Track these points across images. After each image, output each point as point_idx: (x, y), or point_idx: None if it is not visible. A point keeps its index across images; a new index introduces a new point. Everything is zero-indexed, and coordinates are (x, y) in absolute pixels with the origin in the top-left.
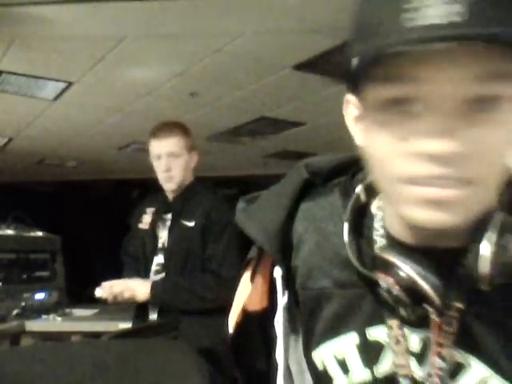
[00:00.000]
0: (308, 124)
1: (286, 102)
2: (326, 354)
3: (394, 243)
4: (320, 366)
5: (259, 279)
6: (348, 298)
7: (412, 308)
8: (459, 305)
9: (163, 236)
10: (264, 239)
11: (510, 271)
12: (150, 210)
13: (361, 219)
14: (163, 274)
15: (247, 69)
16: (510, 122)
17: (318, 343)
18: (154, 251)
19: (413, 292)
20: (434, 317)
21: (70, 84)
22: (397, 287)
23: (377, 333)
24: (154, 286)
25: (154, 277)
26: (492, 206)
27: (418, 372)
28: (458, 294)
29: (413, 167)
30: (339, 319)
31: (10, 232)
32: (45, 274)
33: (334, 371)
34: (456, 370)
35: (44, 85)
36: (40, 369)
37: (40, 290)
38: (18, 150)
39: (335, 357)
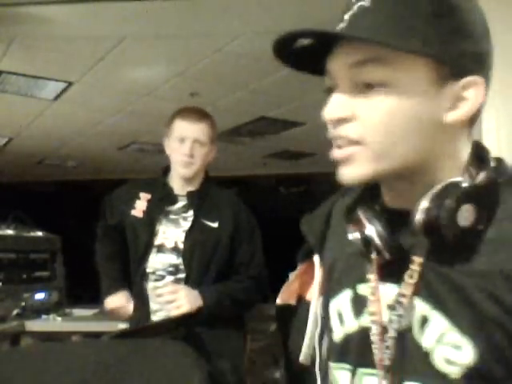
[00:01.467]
0: (308, 124)
1: (286, 102)
2: (332, 309)
3: (381, 207)
4: (330, 318)
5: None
6: (349, 259)
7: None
8: (419, 259)
9: (171, 233)
10: (310, 236)
11: (447, 225)
12: (144, 196)
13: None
14: (180, 275)
15: (247, 69)
16: (386, 100)
17: (329, 300)
18: (149, 246)
19: (369, 244)
20: (374, 266)
21: (70, 84)
22: (358, 239)
23: (364, 288)
24: (206, 296)
25: (168, 277)
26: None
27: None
28: (419, 249)
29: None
30: (341, 278)
31: (10, 232)
32: (45, 274)
33: (334, 323)
34: (422, 322)
35: (44, 85)
36: (40, 369)
37: (40, 290)
38: (18, 150)
39: (336, 310)
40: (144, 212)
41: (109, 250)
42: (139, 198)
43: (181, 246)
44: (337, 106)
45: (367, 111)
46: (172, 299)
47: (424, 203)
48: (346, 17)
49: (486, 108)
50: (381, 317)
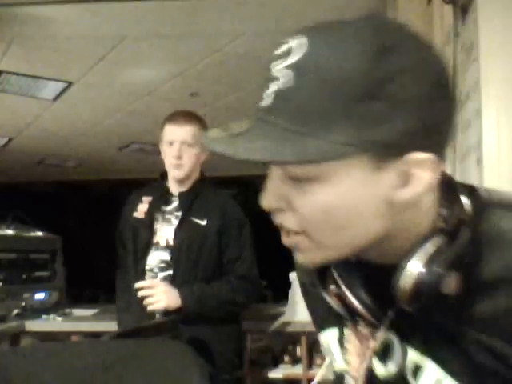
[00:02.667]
0: None
1: None
2: (323, 340)
3: (356, 260)
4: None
5: None
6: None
7: (350, 319)
8: (391, 316)
9: (166, 231)
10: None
11: (431, 295)
12: (146, 199)
13: None
14: (170, 272)
15: (247, 69)
16: (321, 194)
17: (320, 330)
18: (149, 244)
19: (348, 307)
20: (361, 329)
21: (70, 84)
22: (336, 302)
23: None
24: (185, 296)
25: (160, 274)
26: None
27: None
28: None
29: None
30: (328, 315)
31: (10, 232)
32: (45, 274)
33: (327, 356)
34: (415, 370)
35: (44, 85)
36: (40, 369)
37: (40, 290)
38: (18, 150)
39: (327, 344)
40: (145, 213)
41: (124, 285)
42: (142, 202)
43: (171, 243)
44: (272, 196)
45: (303, 204)
46: (150, 294)
47: (411, 267)
48: (263, 101)
49: (485, 108)
50: (359, 368)
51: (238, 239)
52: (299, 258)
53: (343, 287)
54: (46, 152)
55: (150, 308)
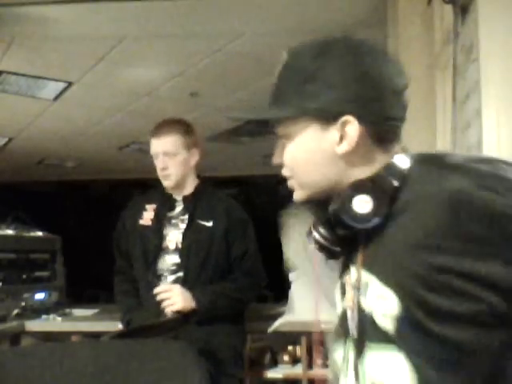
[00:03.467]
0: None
1: None
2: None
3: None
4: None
5: None
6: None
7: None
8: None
9: (174, 235)
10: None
11: (349, 214)
12: (150, 207)
13: None
14: (180, 274)
15: (247, 69)
16: (291, 148)
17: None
18: (159, 249)
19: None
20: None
21: (69, 84)
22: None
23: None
24: (198, 297)
25: (169, 277)
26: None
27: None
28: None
29: None
30: (339, 270)
31: (10, 232)
32: (45, 274)
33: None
34: (365, 288)
35: (44, 85)
36: (40, 369)
37: (40, 290)
38: (17, 150)
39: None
40: (152, 220)
41: (124, 288)
42: (146, 210)
43: (180, 246)
44: (275, 156)
45: (285, 156)
46: (166, 297)
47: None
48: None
49: (485, 108)
50: (350, 299)
51: (243, 237)
52: (294, 195)
53: (311, 228)
54: (45, 152)
55: (166, 310)
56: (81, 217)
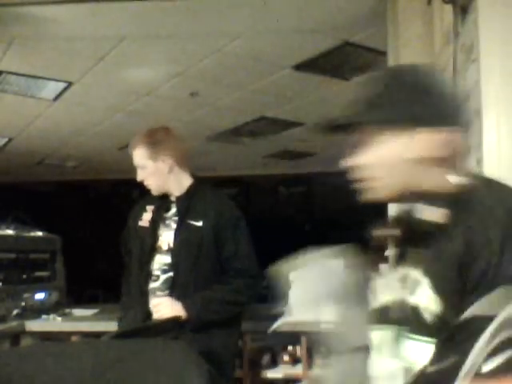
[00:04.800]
0: (308, 124)
1: (286, 102)
2: None
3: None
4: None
5: None
6: None
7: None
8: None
9: (166, 236)
10: None
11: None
12: (150, 208)
13: None
14: (170, 274)
15: (247, 69)
16: (375, 152)
17: None
18: (153, 250)
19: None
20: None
21: (70, 84)
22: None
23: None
24: (188, 307)
25: (162, 276)
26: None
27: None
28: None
29: None
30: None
31: (10, 232)
32: (45, 274)
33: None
34: (413, 286)
35: (44, 85)
36: (40, 369)
37: (40, 290)
38: (17, 150)
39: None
40: (149, 221)
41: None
42: (146, 211)
43: (172, 246)
44: (359, 157)
45: (373, 158)
46: (156, 310)
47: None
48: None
49: (485, 108)
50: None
51: (234, 236)
52: (370, 195)
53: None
54: (45, 152)
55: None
56: (81, 217)
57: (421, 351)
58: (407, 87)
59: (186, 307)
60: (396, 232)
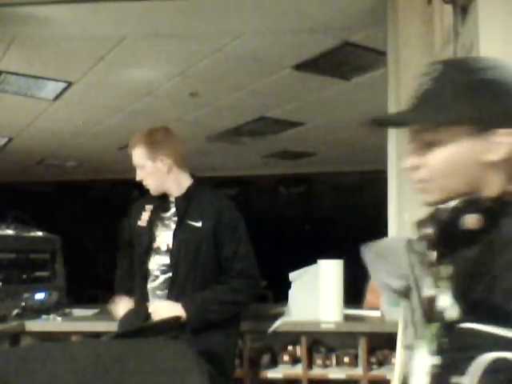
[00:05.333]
0: (308, 124)
1: (286, 101)
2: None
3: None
4: None
5: None
6: None
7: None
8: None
9: (165, 236)
10: None
11: (453, 225)
12: (149, 208)
13: None
14: (170, 274)
15: (247, 69)
16: (441, 153)
17: None
18: (149, 250)
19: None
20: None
21: (69, 84)
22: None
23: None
24: (188, 307)
25: (161, 276)
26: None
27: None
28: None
29: None
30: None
31: (10, 232)
32: (45, 274)
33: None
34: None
35: (44, 85)
36: (40, 369)
37: (40, 290)
38: (17, 150)
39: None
40: (147, 221)
41: (120, 273)
42: (145, 210)
43: (171, 247)
44: (414, 158)
45: (432, 159)
46: (155, 314)
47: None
48: (415, 97)
49: None
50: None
51: (233, 237)
52: (424, 199)
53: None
54: (45, 152)
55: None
56: (81, 217)
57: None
58: (481, 83)
59: (186, 308)
60: (429, 233)
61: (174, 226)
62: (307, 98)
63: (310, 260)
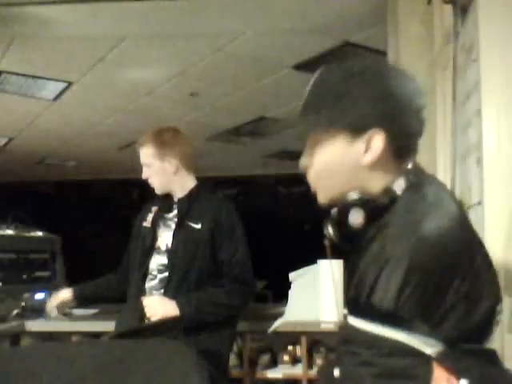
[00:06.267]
0: None
1: (286, 102)
2: None
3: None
4: None
5: None
6: None
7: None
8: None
9: (166, 236)
10: None
11: (341, 222)
12: (154, 209)
13: None
14: (166, 274)
15: (247, 69)
16: (320, 156)
17: None
18: (151, 250)
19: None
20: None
21: (69, 84)
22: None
23: None
24: (182, 305)
25: (159, 276)
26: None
27: None
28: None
29: None
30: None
31: (9, 232)
32: (45, 273)
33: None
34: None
35: (44, 85)
36: (40, 369)
37: (40, 290)
38: (18, 150)
39: None
40: (151, 221)
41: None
42: (151, 211)
43: (170, 246)
44: (304, 159)
45: (313, 162)
46: (148, 308)
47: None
48: (302, 104)
49: (485, 108)
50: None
51: (230, 241)
52: (318, 199)
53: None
54: (45, 152)
55: (152, 320)
56: (81, 217)
57: None
58: (357, 87)
59: (180, 306)
60: (327, 238)
61: (173, 227)
62: None
63: (310, 260)
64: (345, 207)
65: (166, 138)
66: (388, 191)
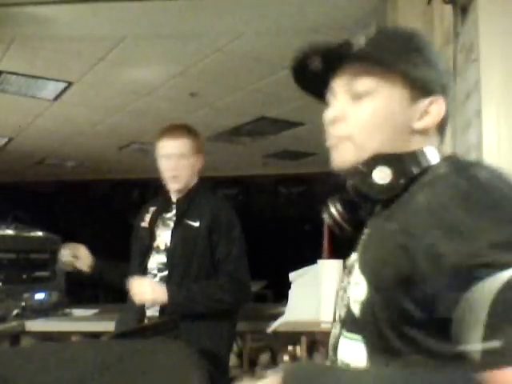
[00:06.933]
0: (308, 124)
1: (286, 102)
2: None
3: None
4: None
5: None
6: None
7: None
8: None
9: (164, 235)
10: None
11: (360, 183)
12: (152, 209)
13: None
14: (166, 273)
15: (247, 69)
16: (370, 105)
17: None
18: (150, 249)
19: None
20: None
21: (69, 84)
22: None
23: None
24: (172, 291)
25: (158, 274)
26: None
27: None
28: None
29: None
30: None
31: (9, 232)
32: (45, 274)
33: None
34: (351, 274)
35: (44, 85)
36: (40, 369)
37: (40, 290)
38: (17, 150)
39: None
40: (149, 221)
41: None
42: (148, 212)
43: (168, 245)
44: (333, 110)
45: (355, 114)
46: (137, 289)
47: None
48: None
49: (485, 108)
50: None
51: (227, 239)
52: (337, 159)
53: (329, 203)
54: (45, 152)
55: (137, 300)
56: (81, 217)
57: (353, 351)
58: (420, 49)
59: (170, 292)
60: (330, 214)
61: (172, 226)
62: (307, 98)
63: (310, 260)
64: (374, 162)
65: (198, 134)
66: (423, 154)
